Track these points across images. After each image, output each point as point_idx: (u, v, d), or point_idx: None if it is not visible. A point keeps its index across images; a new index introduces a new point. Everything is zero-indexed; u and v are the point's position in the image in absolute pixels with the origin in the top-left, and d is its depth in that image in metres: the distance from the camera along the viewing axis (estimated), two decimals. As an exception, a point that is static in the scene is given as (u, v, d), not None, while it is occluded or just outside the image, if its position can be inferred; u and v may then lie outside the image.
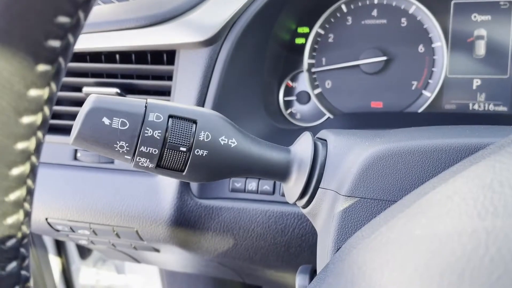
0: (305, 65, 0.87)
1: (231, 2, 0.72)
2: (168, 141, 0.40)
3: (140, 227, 0.74)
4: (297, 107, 0.88)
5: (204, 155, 0.41)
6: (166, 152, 0.40)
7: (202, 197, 0.71)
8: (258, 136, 0.77)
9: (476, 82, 0.80)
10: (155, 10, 0.72)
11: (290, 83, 0.89)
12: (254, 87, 0.80)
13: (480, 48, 0.80)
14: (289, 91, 0.89)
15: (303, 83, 0.88)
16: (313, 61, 0.87)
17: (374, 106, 0.84)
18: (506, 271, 0.19)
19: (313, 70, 0.87)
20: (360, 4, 0.85)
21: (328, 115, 0.86)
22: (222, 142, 0.42)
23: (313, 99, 0.87)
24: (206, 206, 0.70)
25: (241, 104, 0.76)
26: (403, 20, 0.82)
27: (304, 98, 0.88)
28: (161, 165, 0.41)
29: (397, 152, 0.41)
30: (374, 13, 0.84)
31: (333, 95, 0.87)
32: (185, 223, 0.71)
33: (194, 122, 0.41)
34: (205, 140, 0.41)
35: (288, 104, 0.89)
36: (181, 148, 0.41)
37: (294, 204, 0.47)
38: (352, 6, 0.85)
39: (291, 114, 0.88)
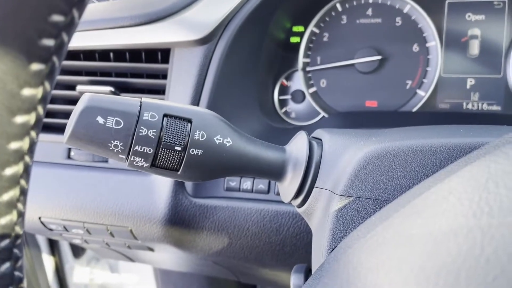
0: (300, 64, 0.87)
1: (226, 0, 0.72)
2: (163, 140, 0.40)
3: (135, 226, 0.74)
4: (292, 106, 0.88)
5: (199, 154, 0.41)
6: (161, 151, 0.40)
7: (197, 196, 0.71)
8: (253, 135, 0.77)
9: (470, 82, 0.81)
10: (149, 8, 0.72)
11: (285, 82, 0.89)
12: (249, 85, 0.80)
13: (474, 48, 0.80)
14: (284, 90, 0.89)
15: (298, 82, 0.88)
16: (308, 60, 0.87)
17: (368, 105, 0.84)
18: (503, 272, 0.19)
19: (308, 69, 0.87)
20: (355, 3, 0.85)
21: (323, 114, 0.86)
22: (217, 142, 0.42)
23: (308, 98, 0.87)
24: (201, 205, 0.70)
25: (236, 102, 0.76)
26: (398, 19, 0.83)
27: (299, 97, 0.88)
28: (156, 165, 0.41)
29: (392, 151, 0.41)
30: (369, 12, 0.84)
31: (328, 94, 0.87)
32: (180, 222, 0.71)
33: (189, 121, 0.41)
34: (200, 139, 0.41)
35: (283, 103, 0.89)
36: (176, 148, 0.40)
37: (289, 203, 0.47)
38: (347, 5, 0.85)
39: (286, 113, 0.88)
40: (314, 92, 0.87)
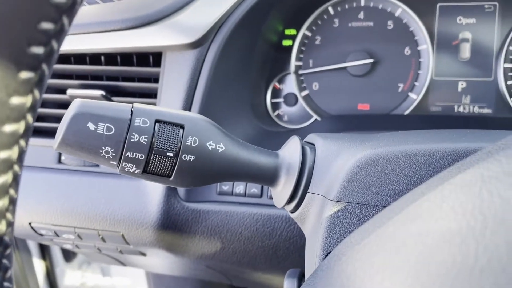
0: (292, 67, 0.87)
1: (219, 3, 0.71)
2: (155, 146, 0.40)
3: (126, 231, 0.73)
4: (285, 109, 0.88)
5: (191, 160, 0.41)
6: (153, 157, 0.40)
7: (189, 200, 0.70)
8: (245, 139, 0.77)
9: (461, 85, 0.81)
10: (141, 12, 0.71)
11: (277, 85, 0.89)
12: (241, 89, 0.79)
13: (465, 51, 0.81)
14: (276, 93, 0.88)
15: (290, 85, 0.88)
16: (300, 63, 0.87)
17: (361, 108, 0.85)
18: (497, 283, 0.19)
19: (300, 72, 0.87)
20: (347, 6, 0.85)
21: (315, 117, 0.86)
22: (209, 147, 0.41)
23: (301, 101, 0.87)
24: (193, 209, 0.70)
25: (228, 106, 0.76)
26: (390, 22, 0.83)
27: (291, 100, 0.88)
28: (148, 171, 0.41)
29: (385, 157, 0.41)
30: (361, 15, 0.84)
31: (321, 97, 0.87)
32: (172, 226, 0.71)
33: (181, 126, 0.41)
34: (193, 145, 0.41)
35: (275, 106, 0.88)
36: (168, 154, 0.40)
37: (283, 208, 0.47)
38: (339, 9, 0.85)
39: (278, 116, 0.88)
40: (307, 95, 0.87)
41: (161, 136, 0.40)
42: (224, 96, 0.74)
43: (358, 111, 0.85)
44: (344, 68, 0.84)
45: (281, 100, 0.88)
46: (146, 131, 0.39)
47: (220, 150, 0.42)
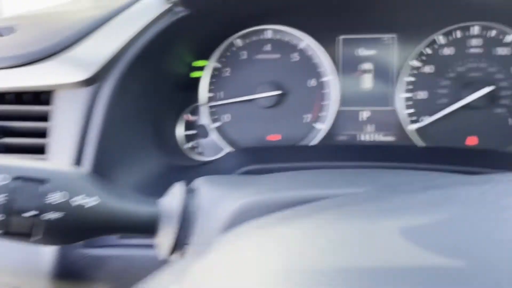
0: (203, 99, 0.86)
1: (115, 38, 0.69)
2: (14, 205, 0.36)
3: (21, 282, 0.67)
4: (199, 141, 0.87)
5: (58, 218, 0.38)
6: (12, 218, 0.36)
7: (88, 246, 0.66)
8: (152, 176, 0.74)
9: (365, 114, 0.84)
10: (32, 48, 0.67)
11: (189, 116, 0.87)
12: (145, 124, 0.77)
13: (368, 81, 0.84)
14: (190, 125, 0.87)
15: (203, 117, 0.86)
16: (211, 94, 0.87)
17: (272, 139, 0.85)
18: None
19: (212, 104, 0.86)
20: (253, 39, 0.85)
21: (228, 148, 0.85)
22: (79, 202, 0.39)
23: (212, 133, 0.86)
24: (92, 255, 0.65)
25: (130, 143, 0.73)
26: (295, 55, 0.84)
27: (204, 132, 0.87)
28: (9, 233, 0.37)
29: (265, 204, 0.40)
30: (268, 48, 0.85)
31: (233, 128, 0.86)
32: (70, 275, 0.66)
33: (46, 182, 0.38)
34: (59, 201, 0.38)
35: (189, 138, 0.87)
36: (30, 213, 0.37)
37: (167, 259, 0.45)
38: (246, 41, 0.86)
39: (192, 148, 0.86)
40: (219, 127, 0.86)
41: (21, 193, 0.37)
42: (124, 133, 0.71)
43: (269, 142, 0.85)
44: (254, 99, 0.85)
45: (195, 132, 0.87)
46: (3, 189, 0.36)
47: (91, 204, 0.39)
